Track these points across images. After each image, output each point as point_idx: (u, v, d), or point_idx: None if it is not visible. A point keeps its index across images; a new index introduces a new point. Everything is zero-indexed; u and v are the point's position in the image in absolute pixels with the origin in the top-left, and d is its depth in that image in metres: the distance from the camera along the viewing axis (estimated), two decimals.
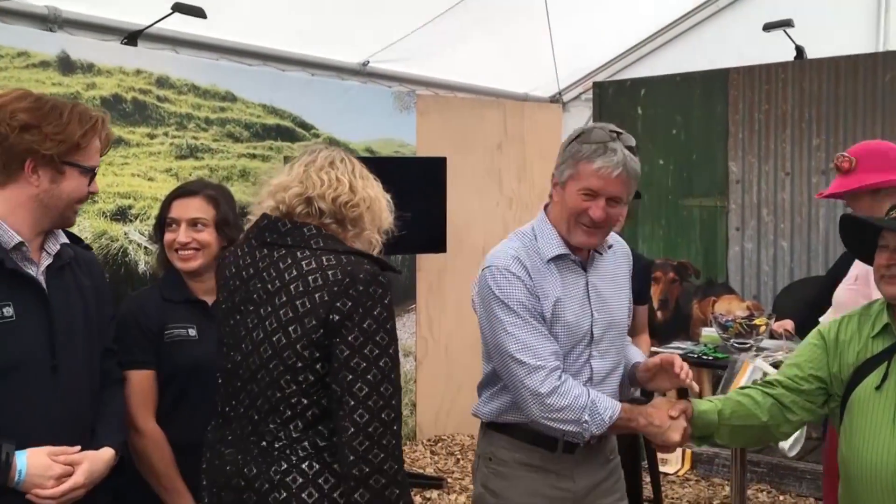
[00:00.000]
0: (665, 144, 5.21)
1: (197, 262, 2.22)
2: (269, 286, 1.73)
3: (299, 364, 1.66)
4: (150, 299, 2.23)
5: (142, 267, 3.78)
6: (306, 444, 1.68)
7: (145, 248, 3.76)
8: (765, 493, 4.54)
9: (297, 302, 1.68)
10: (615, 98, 5.44)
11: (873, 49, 4.79)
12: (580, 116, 5.92)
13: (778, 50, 4.80)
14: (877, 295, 2.20)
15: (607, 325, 2.08)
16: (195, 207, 2.24)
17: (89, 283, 1.95)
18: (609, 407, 1.98)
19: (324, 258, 1.71)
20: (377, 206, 1.85)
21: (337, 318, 1.65)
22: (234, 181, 4.26)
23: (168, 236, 2.23)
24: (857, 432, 1.95)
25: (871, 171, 2.70)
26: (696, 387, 2.08)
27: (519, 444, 2.07)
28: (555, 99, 6.06)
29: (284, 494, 1.64)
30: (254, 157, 4.36)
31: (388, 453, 1.61)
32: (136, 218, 3.81)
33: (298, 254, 1.73)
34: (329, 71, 4.85)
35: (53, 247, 1.88)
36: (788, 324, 3.54)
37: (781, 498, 4.48)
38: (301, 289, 1.68)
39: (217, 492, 1.78)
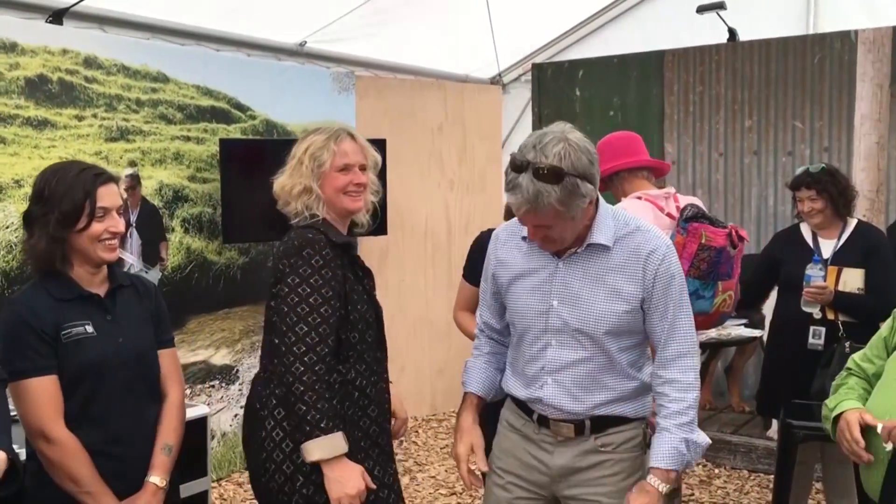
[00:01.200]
0: (602, 126, 5.24)
1: (118, 253, 2.13)
2: None
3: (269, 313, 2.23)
4: (38, 299, 2.03)
5: None
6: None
7: None
8: (700, 466, 4.67)
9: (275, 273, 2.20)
10: (553, 80, 5.47)
11: (804, 31, 4.91)
12: (520, 98, 5.95)
13: (712, 32, 4.89)
14: None
15: (571, 320, 2.04)
16: (118, 195, 2.13)
17: None
18: (468, 382, 2.26)
19: (288, 235, 2.21)
20: (291, 186, 2.25)
21: (273, 279, 2.18)
22: (168, 164, 4.16)
23: (98, 226, 2.06)
24: (879, 387, 2.08)
25: (603, 163, 2.98)
26: None
27: (512, 406, 2.24)
28: (495, 80, 6.07)
29: (259, 405, 2.22)
30: (188, 139, 4.26)
31: (307, 367, 2.09)
32: None
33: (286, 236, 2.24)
34: (265, 51, 4.77)
35: None
36: None
37: (717, 471, 4.61)
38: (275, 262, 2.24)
39: None
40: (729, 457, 4.68)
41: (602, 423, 2.09)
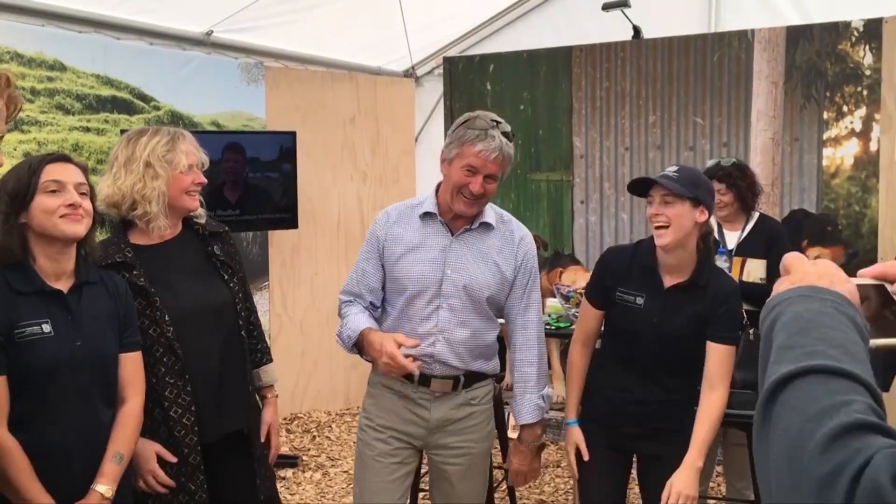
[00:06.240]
0: (513, 120, 5.25)
1: (84, 225, 1.98)
2: None
3: None
4: None
5: None
6: None
7: None
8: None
9: None
10: (465, 73, 5.50)
11: (706, 30, 5.08)
12: (433, 91, 5.96)
13: (620, 29, 5.01)
14: None
15: (462, 287, 2.41)
16: (76, 173, 2.01)
17: None
18: (354, 328, 2.39)
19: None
20: (136, 188, 2.26)
21: None
22: None
23: (51, 201, 1.94)
24: None
25: None
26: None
27: None
28: (408, 73, 6.06)
29: None
30: (87, 130, 4.10)
31: None
32: None
33: None
34: (169, 40, 4.62)
35: None
36: None
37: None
38: None
39: None
40: None
41: (471, 379, 2.48)
